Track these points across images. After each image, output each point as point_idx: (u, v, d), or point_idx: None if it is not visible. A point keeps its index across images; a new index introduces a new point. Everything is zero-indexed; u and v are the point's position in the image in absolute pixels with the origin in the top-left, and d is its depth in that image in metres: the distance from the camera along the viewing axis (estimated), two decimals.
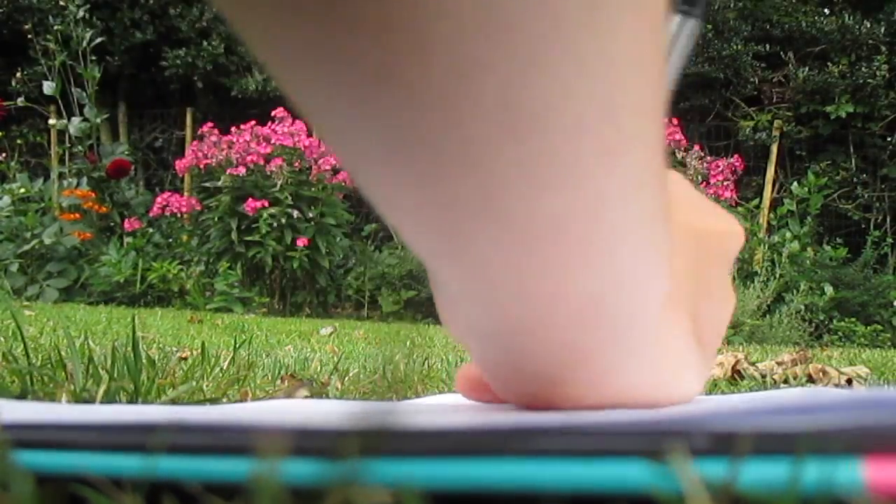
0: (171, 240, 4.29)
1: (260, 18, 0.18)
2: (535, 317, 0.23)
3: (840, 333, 3.44)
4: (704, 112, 5.12)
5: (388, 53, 0.18)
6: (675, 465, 0.16)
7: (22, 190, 4.21)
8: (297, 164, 3.93)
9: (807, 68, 4.71)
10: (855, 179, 4.67)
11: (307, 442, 0.17)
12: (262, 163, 3.87)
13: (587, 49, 0.19)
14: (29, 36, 4.51)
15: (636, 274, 0.24)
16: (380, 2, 0.17)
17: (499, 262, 0.22)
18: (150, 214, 4.27)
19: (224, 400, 0.50)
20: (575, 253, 0.22)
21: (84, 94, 4.38)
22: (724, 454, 0.16)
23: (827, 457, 0.15)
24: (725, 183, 3.80)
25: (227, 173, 3.86)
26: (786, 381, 0.93)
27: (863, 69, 4.57)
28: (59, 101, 4.36)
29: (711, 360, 0.31)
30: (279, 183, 3.83)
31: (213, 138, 4.08)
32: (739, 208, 4.03)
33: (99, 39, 4.52)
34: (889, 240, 4.31)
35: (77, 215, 4.20)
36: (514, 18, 0.17)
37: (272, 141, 3.95)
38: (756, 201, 4.31)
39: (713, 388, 0.84)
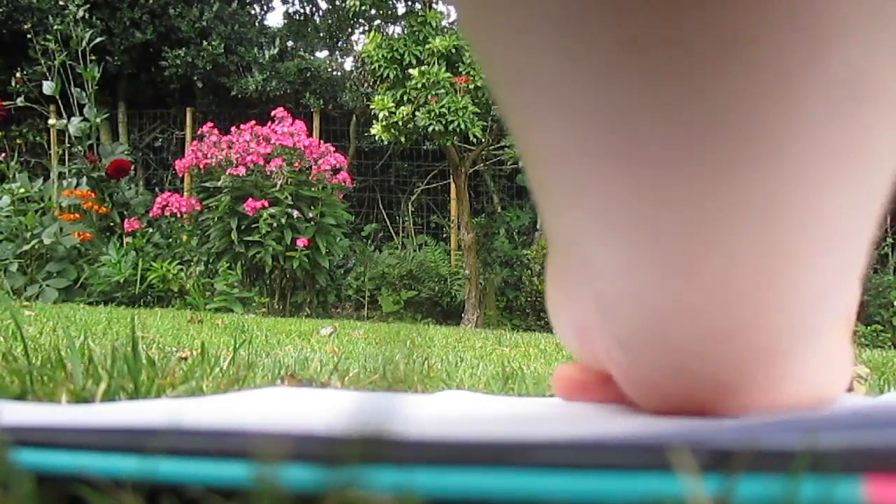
0: (171, 240, 4.29)
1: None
2: (757, 321, 0.22)
3: None
4: None
5: (751, 27, 0.17)
6: (675, 481, 0.16)
7: (22, 190, 4.21)
8: (296, 164, 3.93)
9: None
10: None
11: (306, 447, 0.17)
12: (262, 163, 3.87)
13: None
14: (29, 36, 4.51)
15: (854, 274, 0.23)
16: None
17: (754, 263, 0.20)
18: (150, 214, 4.27)
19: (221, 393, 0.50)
20: (826, 250, 0.21)
21: (84, 94, 4.38)
22: (722, 471, 0.16)
23: (827, 475, 0.15)
24: None
25: (227, 173, 3.86)
26: None
27: None
28: (59, 101, 4.36)
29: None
30: (279, 183, 3.83)
31: (213, 138, 4.08)
32: None
33: (99, 39, 4.52)
34: (889, 240, 4.30)
35: (77, 215, 4.20)
36: None
37: (272, 141, 3.95)
38: None
39: None
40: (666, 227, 0.20)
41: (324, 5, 6.25)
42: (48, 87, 4.29)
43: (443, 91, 3.71)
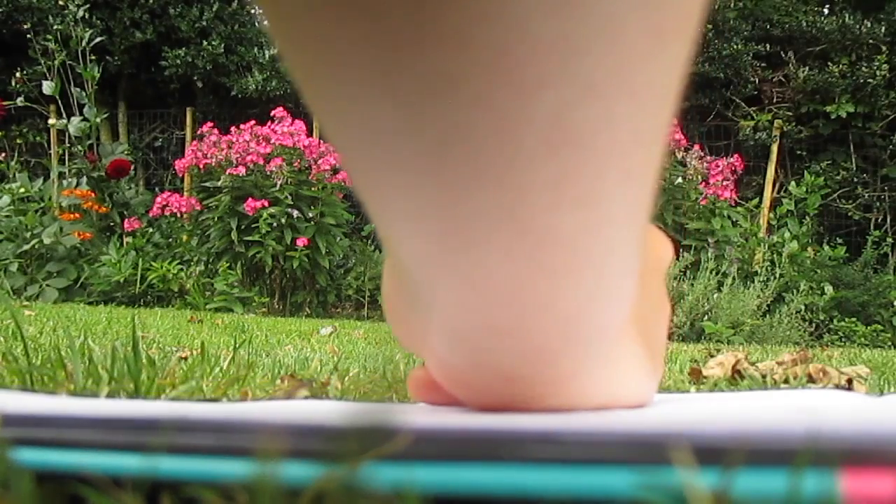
0: (171, 240, 4.29)
1: (328, 24, 0.19)
2: (523, 321, 0.24)
3: (840, 333, 3.43)
4: (704, 112, 5.12)
5: (461, 66, 0.19)
6: (667, 475, 0.16)
7: (22, 190, 4.21)
8: (296, 163, 3.93)
9: (807, 68, 4.71)
10: (855, 179, 4.67)
11: (306, 443, 0.17)
12: (261, 162, 3.87)
13: (639, 80, 0.20)
14: (28, 36, 4.51)
15: (616, 289, 0.26)
16: (464, 21, 0.18)
17: (503, 270, 0.23)
18: (150, 214, 4.27)
19: (224, 400, 0.50)
20: (574, 266, 0.23)
21: (84, 93, 4.38)
22: (709, 466, 0.16)
23: (806, 469, 0.16)
24: (725, 183, 3.80)
25: (227, 173, 3.86)
26: (786, 381, 0.93)
27: (863, 69, 4.56)
28: (59, 101, 4.36)
29: (660, 366, 0.33)
30: (279, 183, 3.83)
31: (213, 138, 4.08)
32: (739, 208, 4.03)
33: (99, 39, 4.52)
34: (889, 240, 4.30)
35: (77, 215, 4.20)
36: (584, 44, 0.19)
37: (272, 141, 3.95)
38: (756, 201, 4.31)
39: (713, 387, 0.84)
40: (440, 237, 0.23)
41: None
42: (48, 86, 4.29)
43: None
